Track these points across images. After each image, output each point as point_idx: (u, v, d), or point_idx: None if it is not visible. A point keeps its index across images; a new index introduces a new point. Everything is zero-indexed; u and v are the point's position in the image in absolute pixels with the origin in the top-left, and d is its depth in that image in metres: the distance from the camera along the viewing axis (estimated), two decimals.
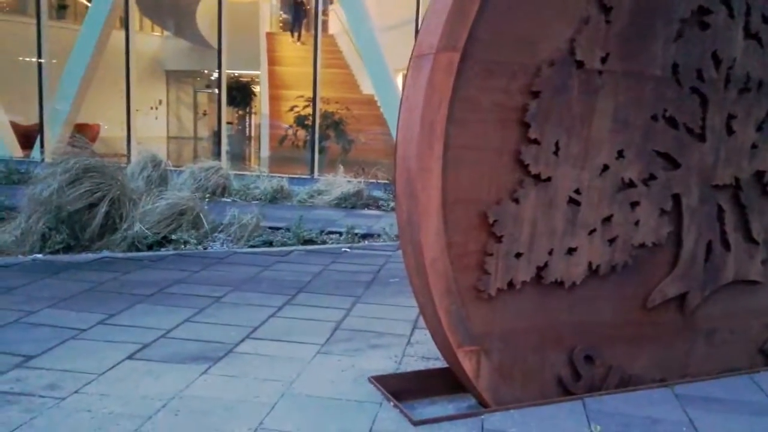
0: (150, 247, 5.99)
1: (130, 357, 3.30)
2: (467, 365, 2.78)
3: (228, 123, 18.54)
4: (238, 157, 18.61)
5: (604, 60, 2.84)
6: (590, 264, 2.94)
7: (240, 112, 24.78)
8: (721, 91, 3.09)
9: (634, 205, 2.99)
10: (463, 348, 2.76)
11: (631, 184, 2.97)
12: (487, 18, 2.65)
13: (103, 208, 5.99)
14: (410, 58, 2.78)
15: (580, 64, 2.81)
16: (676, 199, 3.09)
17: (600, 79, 2.85)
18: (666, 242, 3.10)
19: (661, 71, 2.96)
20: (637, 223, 3.01)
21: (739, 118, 3.14)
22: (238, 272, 5.21)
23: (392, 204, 9.14)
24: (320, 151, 14.32)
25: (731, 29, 3.06)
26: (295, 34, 21.50)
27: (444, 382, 3.05)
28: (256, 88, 22.79)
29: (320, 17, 15.03)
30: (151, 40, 25.54)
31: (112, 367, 3.16)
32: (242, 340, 3.60)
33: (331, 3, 21.03)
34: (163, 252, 5.90)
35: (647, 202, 3.01)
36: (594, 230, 2.93)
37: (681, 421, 2.79)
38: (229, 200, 9.23)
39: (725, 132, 3.14)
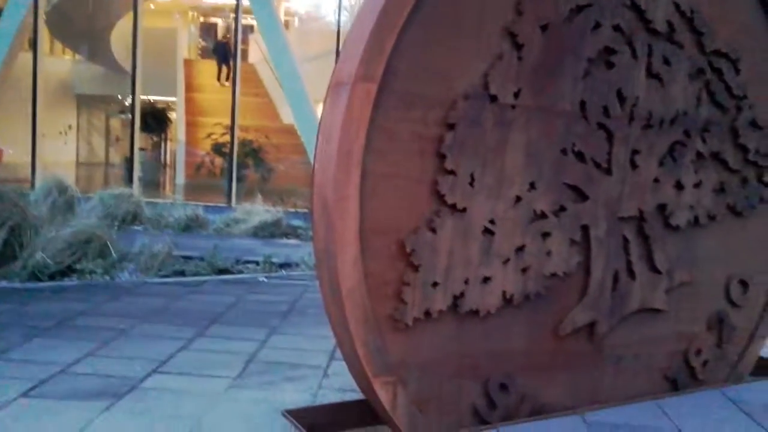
0: (52, 277, 5.67)
1: (24, 394, 3.07)
2: (384, 396, 2.74)
3: (141, 149, 17.99)
4: (152, 184, 18.05)
5: (516, 95, 2.92)
6: (504, 293, 2.98)
7: (155, 139, 24.13)
8: (625, 127, 3.24)
9: (546, 235, 3.06)
10: (380, 378, 2.72)
11: (542, 216, 3.05)
12: (404, 50, 2.68)
13: (1, 236, 5.63)
14: (328, 87, 2.77)
15: (493, 99, 2.88)
16: (585, 230, 3.20)
17: (513, 113, 2.92)
18: (576, 272, 3.19)
19: (570, 107, 3.07)
20: (548, 253, 3.08)
21: (642, 154, 3.30)
22: (146, 303, 5.00)
23: (311, 233, 9.07)
24: (238, 180, 14.11)
25: (634, 69, 3.23)
26: (222, 77, 20.93)
27: (360, 414, 3.00)
28: (173, 115, 22.30)
29: (240, 46, 14.94)
30: (62, 63, 24.63)
31: (5, 405, 2.93)
32: (148, 375, 3.44)
33: (252, 32, 20.96)
34: (66, 282, 5.59)
35: (558, 233, 3.10)
36: (508, 260, 2.97)
37: None
38: (140, 228, 8.90)
39: (630, 166, 3.28)
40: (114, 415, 2.92)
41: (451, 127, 2.80)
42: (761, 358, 3.93)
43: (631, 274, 3.36)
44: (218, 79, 21.04)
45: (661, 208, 3.41)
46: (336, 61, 2.75)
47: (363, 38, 2.65)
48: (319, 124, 2.77)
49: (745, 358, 3.79)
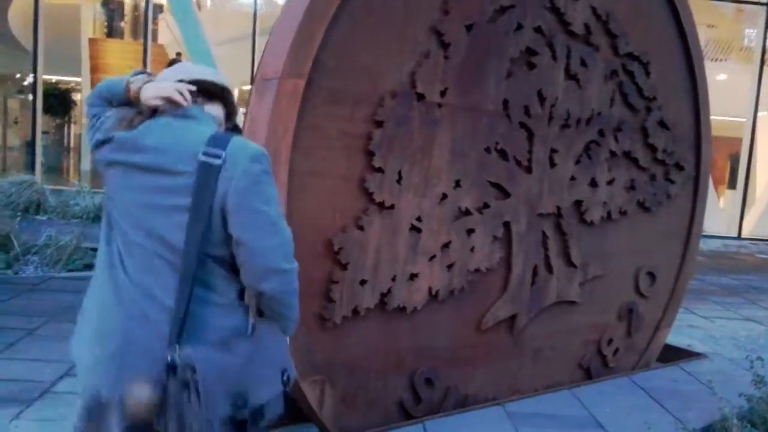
0: None
1: None
2: (311, 395, 2.73)
3: (43, 132, 16.99)
4: (56, 170, 17.14)
5: (443, 93, 2.95)
6: (430, 289, 3.03)
7: (58, 121, 22.84)
8: (545, 126, 3.34)
9: (470, 232, 3.13)
10: (308, 378, 2.71)
11: (467, 212, 3.11)
12: (332, 46, 2.66)
13: None
14: (254, 82, 2.71)
15: (420, 97, 2.90)
16: (507, 226, 3.28)
17: (439, 111, 2.96)
18: (497, 267, 3.28)
19: (493, 106, 3.14)
20: (472, 249, 3.15)
21: (560, 152, 3.41)
22: (54, 300, 4.75)
23: None
24: None
25: (554, 70, 3.33)
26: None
27: (287, 412, 2.97)
28: (77, 96, 21.20)
29: (150, 25, 14.35)
30: None
31: None
32: (60, 378, 3.27)
33: (161, 12, 20.15)
34: None
35: (481, 230, 3.17)
36: (434, 256, 3.02)
37: None
38: (44, 218, 8.42)
39: (549, 164, 3.39)
40: (25, 422, 2.77)
41: (378, 124, 2.79)
42: (666, 345, 4.18)
43: (549, 268, 3.48)
44: None
45: (577, 204, 3.55)
46: (252, 46, 2.65)
47: (291, 32, 2.60)
48: (244, 120, 2.71)
49: (652, 346, 4.02)
